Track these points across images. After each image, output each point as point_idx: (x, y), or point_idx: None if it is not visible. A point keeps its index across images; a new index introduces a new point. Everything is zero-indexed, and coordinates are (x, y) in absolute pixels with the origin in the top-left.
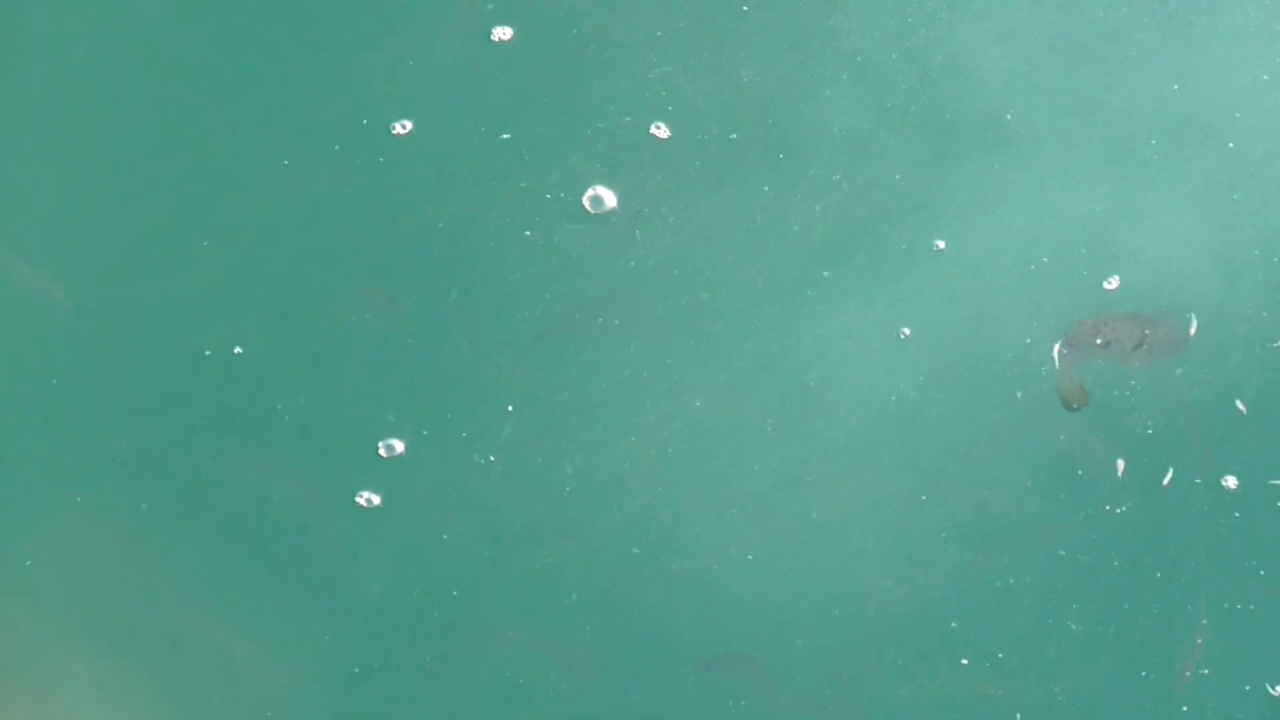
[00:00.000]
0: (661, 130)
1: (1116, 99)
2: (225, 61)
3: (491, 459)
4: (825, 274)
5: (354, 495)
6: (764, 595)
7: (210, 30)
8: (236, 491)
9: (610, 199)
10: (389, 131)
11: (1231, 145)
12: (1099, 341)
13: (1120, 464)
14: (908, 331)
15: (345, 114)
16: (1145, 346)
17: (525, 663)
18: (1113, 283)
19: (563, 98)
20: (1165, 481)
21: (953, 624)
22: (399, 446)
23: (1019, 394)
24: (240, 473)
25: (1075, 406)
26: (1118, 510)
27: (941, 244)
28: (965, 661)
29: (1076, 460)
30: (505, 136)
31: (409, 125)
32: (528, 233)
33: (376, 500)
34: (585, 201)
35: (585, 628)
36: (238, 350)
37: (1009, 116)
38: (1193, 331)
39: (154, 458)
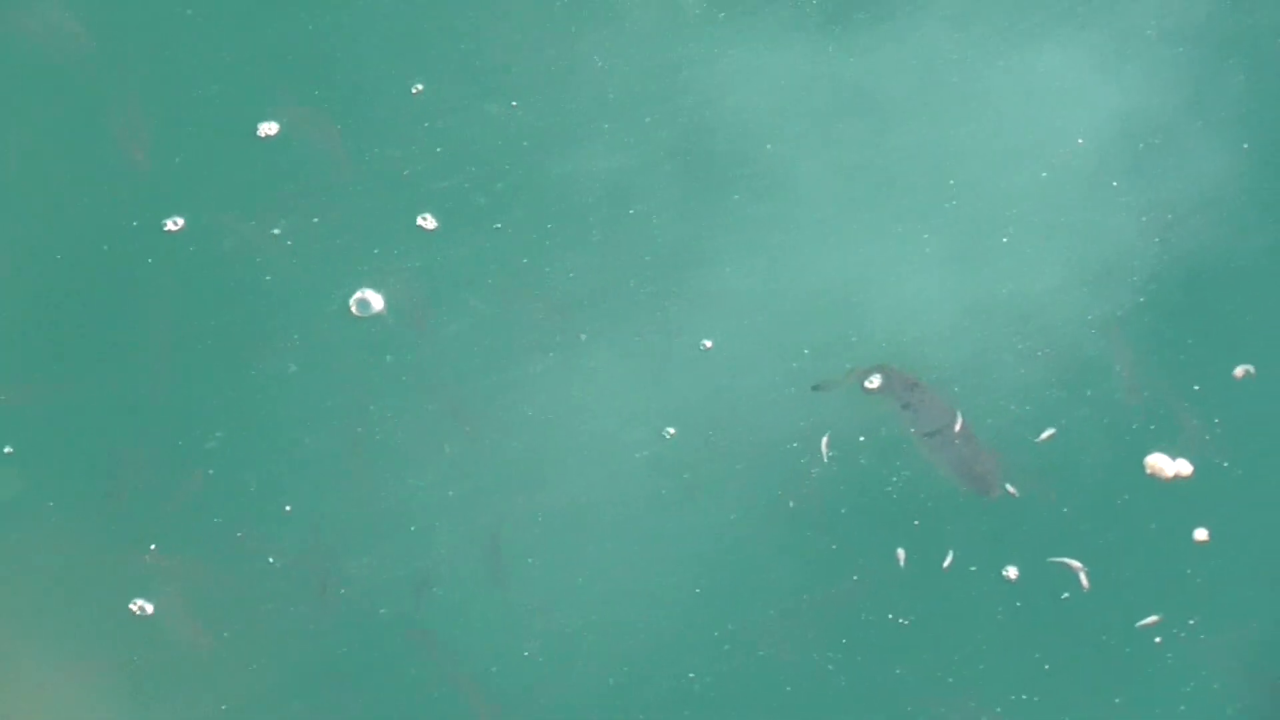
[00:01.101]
0: (428, 221)
1: (880, 154)
2: None
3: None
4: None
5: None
6: None
7: None
8: None
9: (378, 302)
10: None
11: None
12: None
13: (901, 553)
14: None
15: (117, 214)
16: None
17: None
18: (874, 381)
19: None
20: (945, 565)
21: None
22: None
23: (791, 503)
24: None
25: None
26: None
27: (709, 343)
28: None
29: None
30: (276, 231)
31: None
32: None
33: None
34: (352, 305)
35: None
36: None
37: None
38: (958, 427)
39: None
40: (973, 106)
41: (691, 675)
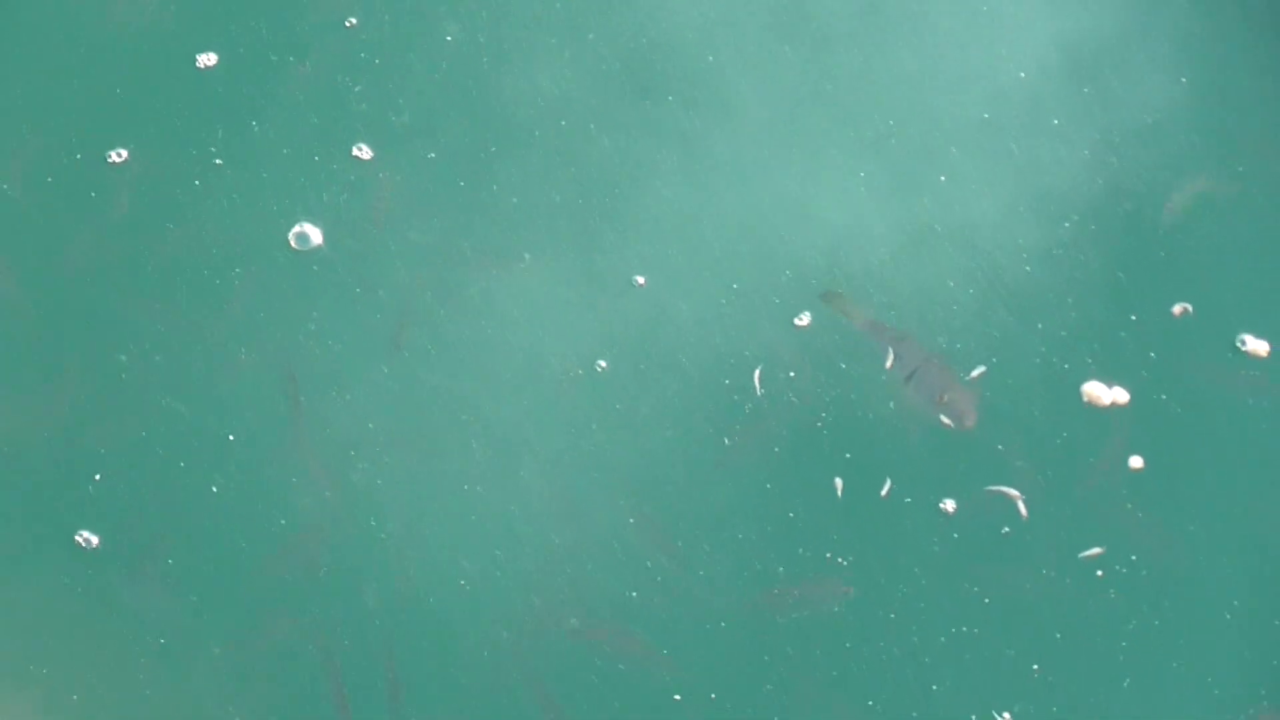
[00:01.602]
0: (364, 151)
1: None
2: None
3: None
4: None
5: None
6: None
7: None
8: None
9: (316, 235)
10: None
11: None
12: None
13: (839, 482)
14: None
15: (62, 145)
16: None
17: None
18: (803, 319)
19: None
20: (884, 493)
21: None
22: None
23: (725, 439)
24: None
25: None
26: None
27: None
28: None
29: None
30: (218, 162)
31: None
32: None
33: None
34: (291, 239)
35: None
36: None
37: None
38: (888, 364)
39: None
40: (917, 33)
41: (634, 594)
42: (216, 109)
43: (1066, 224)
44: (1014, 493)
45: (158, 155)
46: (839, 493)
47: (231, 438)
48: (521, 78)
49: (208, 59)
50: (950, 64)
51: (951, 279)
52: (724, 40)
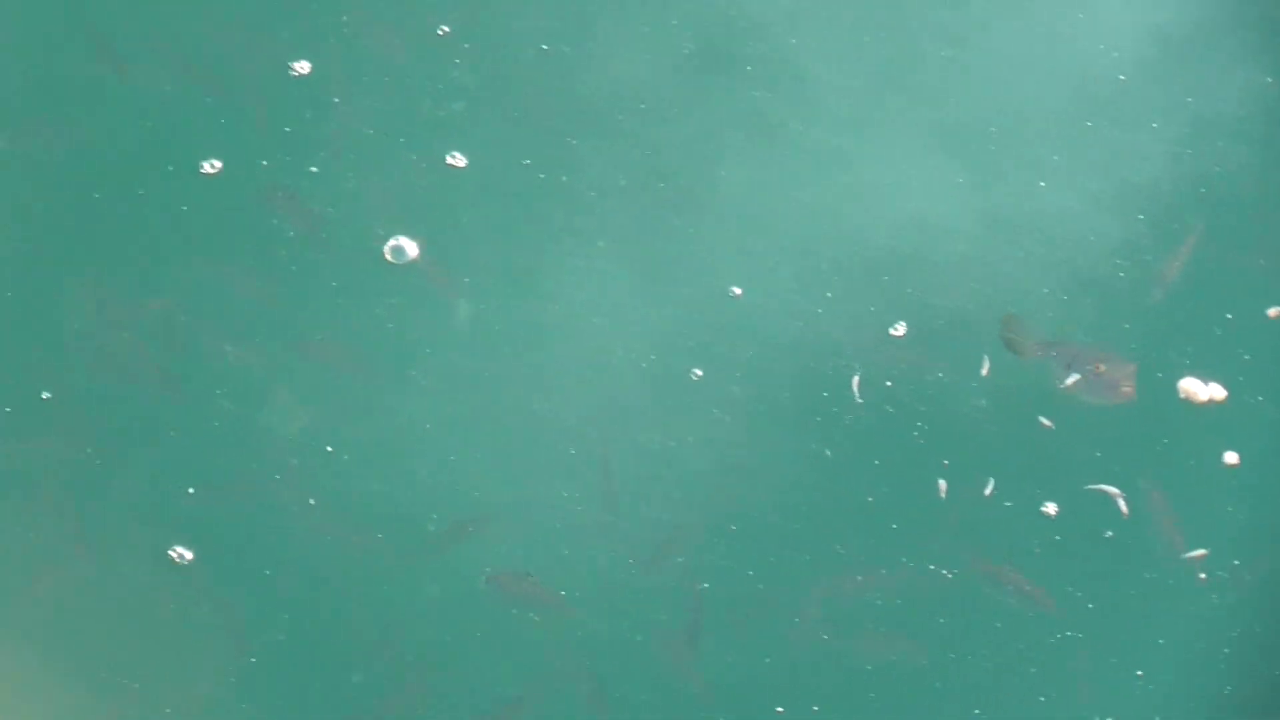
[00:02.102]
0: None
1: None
2: None
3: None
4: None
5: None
6: None
7: None
8: None
9: (412, 248)
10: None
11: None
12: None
13: (942, 484)
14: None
15: (154, 155)
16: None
17: None
18: (899, 328)
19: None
20: (987, 491)
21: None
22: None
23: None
24: None
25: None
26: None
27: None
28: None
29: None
30: (313, 169)
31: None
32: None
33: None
34: (387, 252)
35: None
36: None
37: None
38: (984, 370)
39: None
40: (1005, 23)
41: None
42: (310, 117)
43: (1145, 218)
44: (1114, 490)
45: (251, 166)
46: (942, 494)
47: (330, 449)
48: (602, 67)
49: (301, 66)
50: (1038, 54)
51: (1042, 272)
52: (808, 27)
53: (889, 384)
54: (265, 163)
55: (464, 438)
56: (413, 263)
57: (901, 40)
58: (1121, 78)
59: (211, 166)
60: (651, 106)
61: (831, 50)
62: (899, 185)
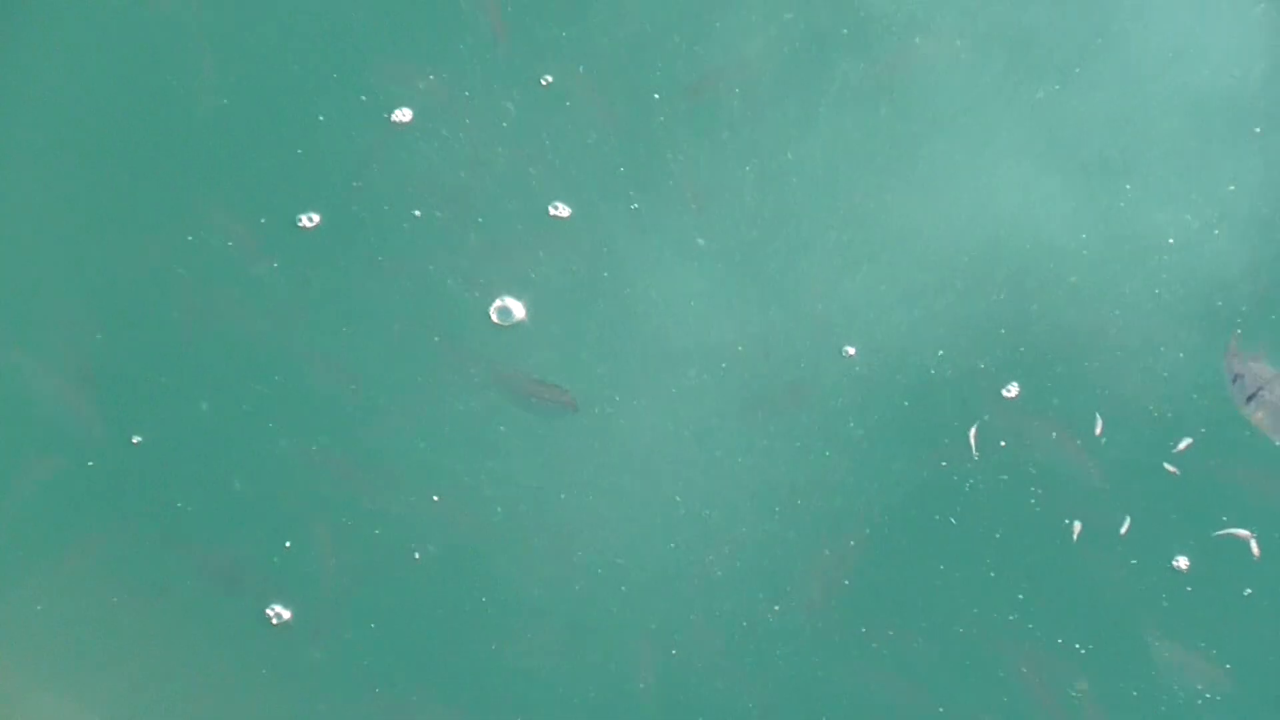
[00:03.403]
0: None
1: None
2: None
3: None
4: None
5: None
6: None
7: None
8: None
9: (519, 310)
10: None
11: None
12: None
13: (1077, 526)
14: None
15: (252, 208)
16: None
17: None
18: (1011, 390)
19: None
20: (1123, 531)
21: None
22: None
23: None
24: None
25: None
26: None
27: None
28: None
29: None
30: (416, 213)
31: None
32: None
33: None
34: (493, 314)
35: None
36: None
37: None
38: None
39: None
40: (1123, 42)
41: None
42: (410, 168)
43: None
44: (1244, 533)
45: (350, 218)
46: (1076, 536)
47: (436, 499)
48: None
49: (402, 114)
50: (1151, 71)
51: (1168, 300)
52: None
53: (1002, 444)
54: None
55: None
56: (520, 323)
57: (1015, 54)
58: (1232, 91)
59: (309, 220)
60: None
61: (948, 66)
62: (1020, 210)
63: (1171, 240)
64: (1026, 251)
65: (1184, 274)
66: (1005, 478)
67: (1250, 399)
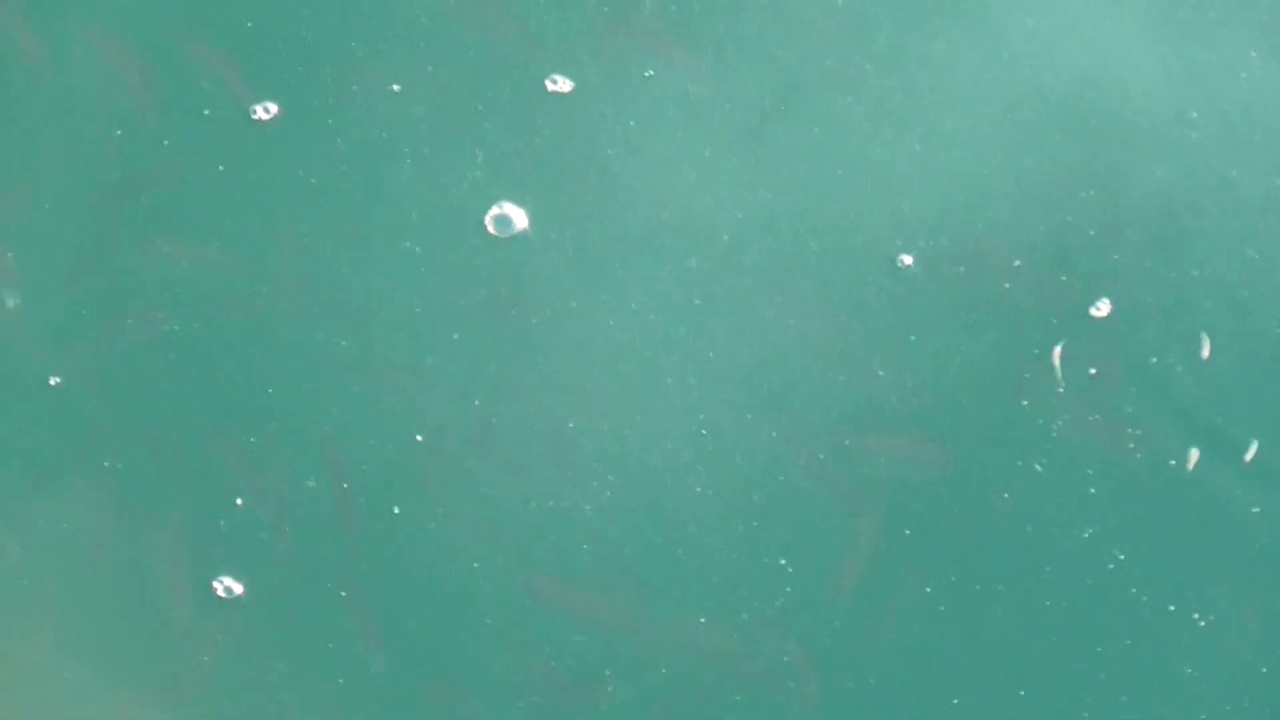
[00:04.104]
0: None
1: None
2: None
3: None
4: None
5: None
6: None
7: None
8: None
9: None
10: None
11: None
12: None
13: (1194, 453)
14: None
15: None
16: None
17: None
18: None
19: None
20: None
21: None
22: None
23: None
24: None
25: None
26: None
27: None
28: None
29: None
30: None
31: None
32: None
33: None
34: (489, 223)
35: None
36: None
37: None
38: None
39: None
40: None
41: None
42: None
43: None
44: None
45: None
46: (1192, 464)
47: (420, 438)
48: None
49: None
50: None
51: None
52: None
53: (1092, 371)
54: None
55: None
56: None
57: None
58: None
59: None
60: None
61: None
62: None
63: None
64: (1119, 124)
65: None
66: (1099, 418)
67: None
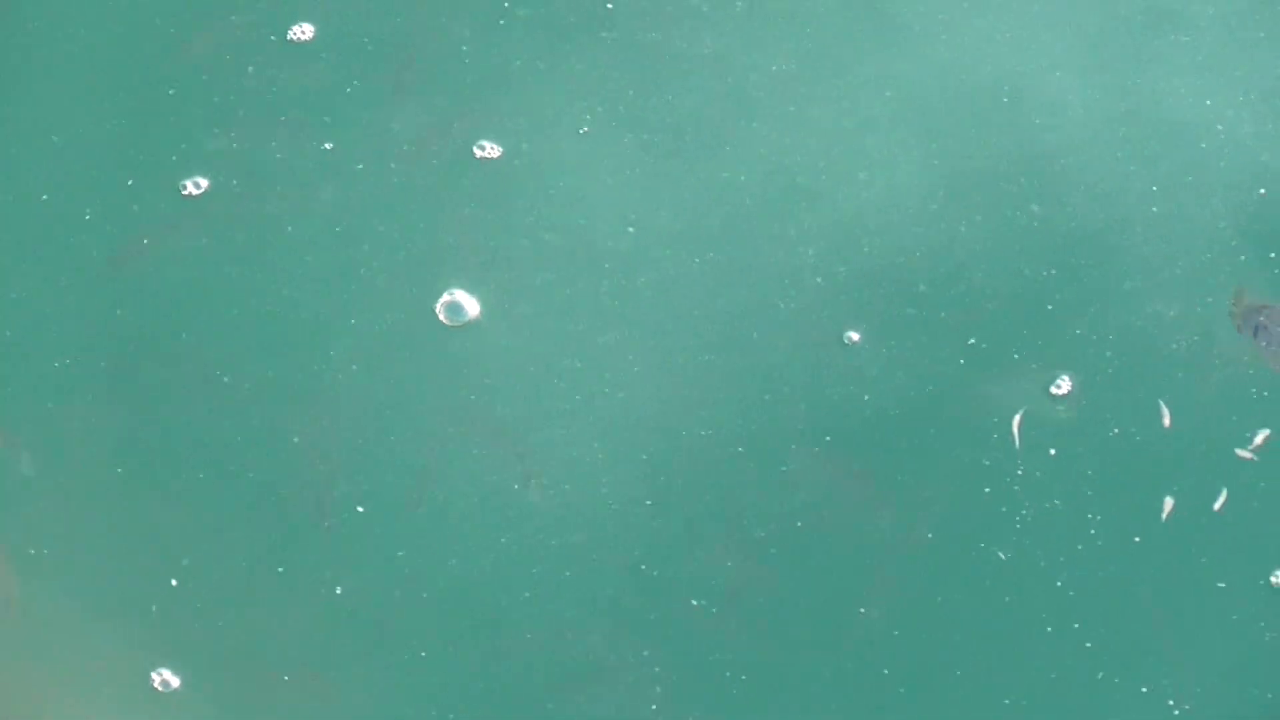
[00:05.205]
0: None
1: None
2: None
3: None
4: None
5: None
6: None
7: None
8: None
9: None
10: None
11: None
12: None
13: (1168, 502)
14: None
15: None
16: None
17: None
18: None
19: None
20: (1217, 507)
21: None
22: None
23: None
24: None
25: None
26: None
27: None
28: None
29: None
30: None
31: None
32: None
33: None
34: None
35: None
36: None
37: None
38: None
39: None
40: None
41: None
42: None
43: None
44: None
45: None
46: (1166, 514)
47: (361, 509)
48: None
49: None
50: None
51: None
52: None
53: (1052, 452)
54: None
55: None
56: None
57: None
58: None
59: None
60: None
61: None
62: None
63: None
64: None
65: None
66: (1058, 504)
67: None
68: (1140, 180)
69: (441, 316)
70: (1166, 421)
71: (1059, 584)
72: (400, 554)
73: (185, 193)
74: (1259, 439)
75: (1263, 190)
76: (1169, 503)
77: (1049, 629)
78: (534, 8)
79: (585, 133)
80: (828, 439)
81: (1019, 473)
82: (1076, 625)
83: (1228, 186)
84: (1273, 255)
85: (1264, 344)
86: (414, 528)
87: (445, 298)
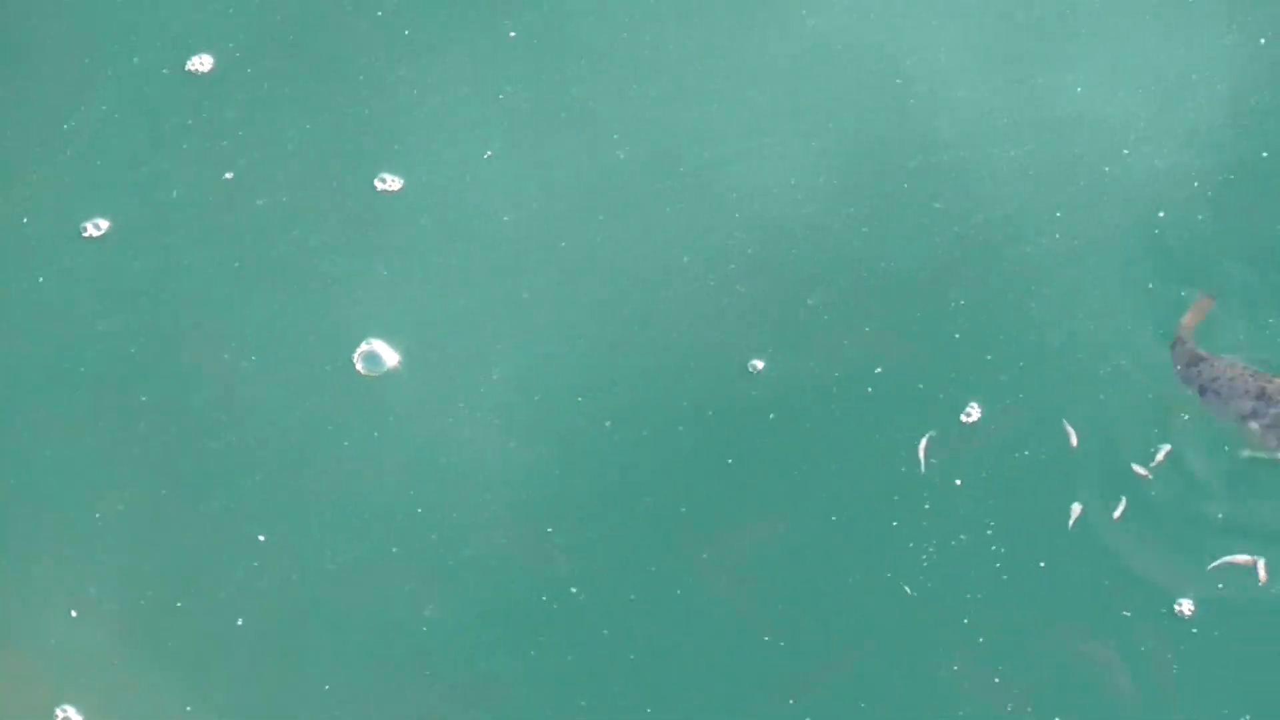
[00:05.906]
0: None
1: None
2: None
3: None
4: None
5: None
6: None
7: None
8: None
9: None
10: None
11: None
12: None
13: (1076, 508)
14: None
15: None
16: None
17: None
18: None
19: None
20: (1116, 515)
21: None
22: None
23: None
24: None
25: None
26: None
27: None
28: None
29: None
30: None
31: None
32: None
33: None
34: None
35: None
36: None
37: None
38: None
39: None
40: None
41: None
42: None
43: None
44: (1245, 559)
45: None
46: (1072, 520)
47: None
48: None
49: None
50: None
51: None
52: None
53: (958, 483)
54: None
55: None
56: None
57: None
58: None
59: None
60: None
61: None
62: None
63: None
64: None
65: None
66: (963, 537)
67: (1203, 393)
68: (1045, 208)
69: (359, 366)
70: (1074, 441)
71: (965, 621)
72: (303, 587)
73: (86, 234)
74: (1160, 455)
75: (1162, 213)
76: (1077, 508)
77: (955, 667)
78: (433, 35)
79: (489, 157)
80: (729, 462)
81: (926, 507)
82: (985, 660)
83: (1130, 206)
84: (1176, 278)
85: (1210, 403)
86: (317, 563)
87: (363, 347)
